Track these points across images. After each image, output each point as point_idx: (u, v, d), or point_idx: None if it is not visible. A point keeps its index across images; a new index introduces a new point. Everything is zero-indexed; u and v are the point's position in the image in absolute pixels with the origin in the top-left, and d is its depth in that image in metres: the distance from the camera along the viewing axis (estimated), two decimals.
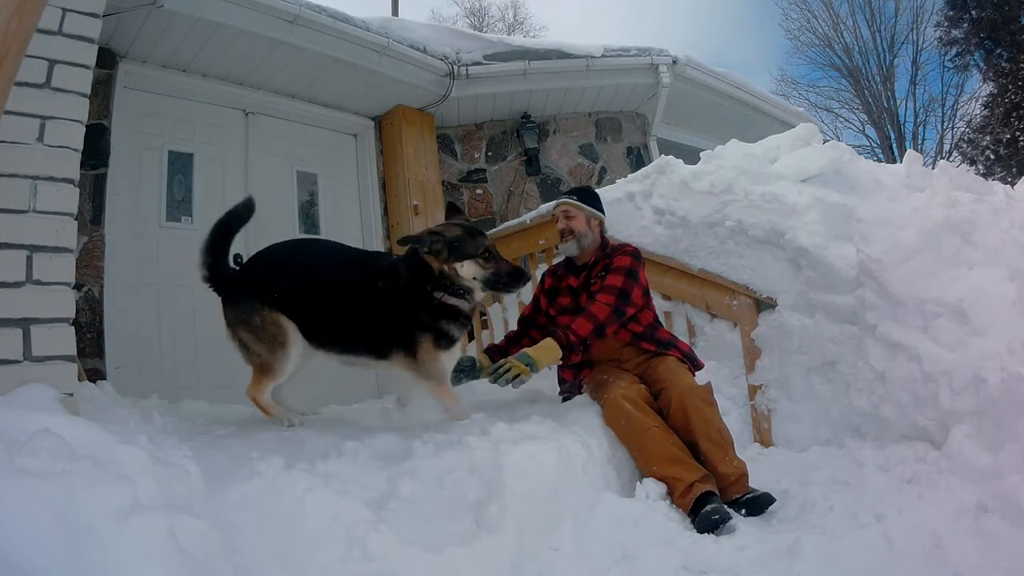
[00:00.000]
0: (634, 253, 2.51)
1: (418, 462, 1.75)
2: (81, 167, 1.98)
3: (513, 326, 3.82)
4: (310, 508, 1.49)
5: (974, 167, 12.29)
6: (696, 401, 2.23)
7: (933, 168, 3.07)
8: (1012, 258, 2.22)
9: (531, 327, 2.71)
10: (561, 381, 2.66)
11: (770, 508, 2.06)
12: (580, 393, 2.49)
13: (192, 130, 3.96)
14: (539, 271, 3.75)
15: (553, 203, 2.77)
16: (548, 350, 2.27)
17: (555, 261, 3.66)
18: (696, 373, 2.48)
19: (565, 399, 2.58)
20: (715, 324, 3.07)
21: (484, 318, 4.16)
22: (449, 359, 2.15)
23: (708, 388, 2.31)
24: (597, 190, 3.61)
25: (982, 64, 13.50)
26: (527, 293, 3.79)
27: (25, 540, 1.00)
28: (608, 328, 2.34)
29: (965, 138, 13.94)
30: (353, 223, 4.69)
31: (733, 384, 2.87)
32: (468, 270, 2.11)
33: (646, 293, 2.54)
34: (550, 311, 2.64)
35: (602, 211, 2.65)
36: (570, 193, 2.68)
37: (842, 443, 2.47)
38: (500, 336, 3.92)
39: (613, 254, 2.54)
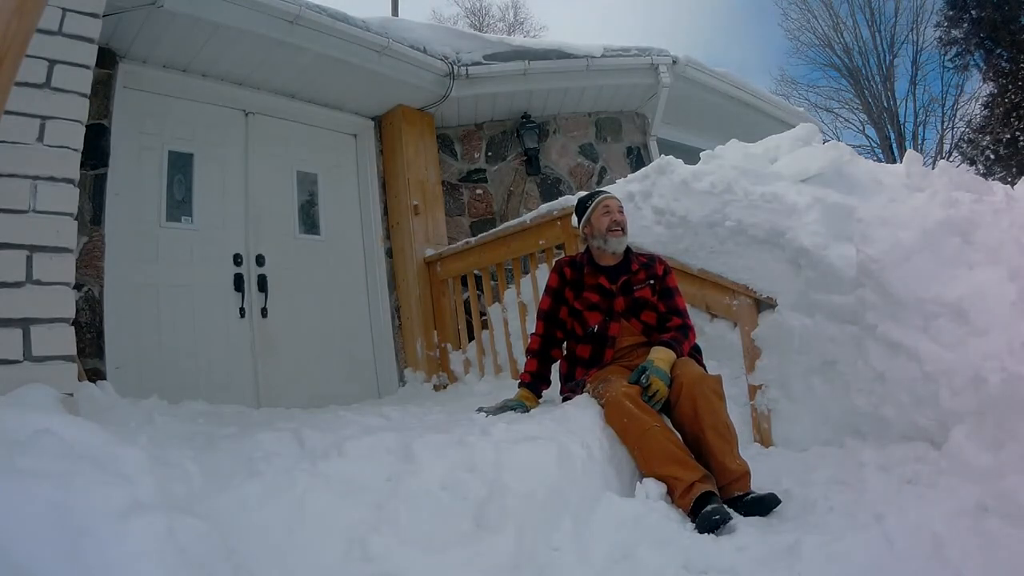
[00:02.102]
0: (670, 268, 2.70)
1: (418, 462, 1.75)
2: (81, 167, 1.99)
3: (514, 326, 3.83)
4: (310, 508, 1.49)
5: (974, 167, 12.29)
6: (706, 391, 2.23)
7: (933, 168, 3.07)
8: (1012, 258, 2.22)
9: (555, 326, 2.69)
10: (568, 379, 2.65)
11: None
12: (582, 393, 2.49)
13: (192, 130, 3.96)
14: (540, 271, 3.75)
15: (595, 196, 2.75)
16: (668, 361, 2.36)
17: (556, 259, 3.68)
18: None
19: (565, 398, 2.58)
20: (715, 324, 3.07)
21: (484, 318, 4.16)
22: None
23: (718, 379, 2.31)
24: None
25: (982, 64, 13.50)
26: (526, 293, 3.79)
27: (25, 540, 1.00)
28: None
29: (965, 138, 13.95)
30: (353, 223, 4.69)
31: (733, 384, 2.86)
32: None
33: None
34: (576, 304, 2.62)
35: None
36: (608, 194, 2.75)
37: (842, 443, 2.46)
38: (501, 336, 3.93)
39: (655, 264, 2.66)
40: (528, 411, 2.51)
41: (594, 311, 2.58)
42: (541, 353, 2.69)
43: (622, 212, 2.68)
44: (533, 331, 2.76)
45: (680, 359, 2.40)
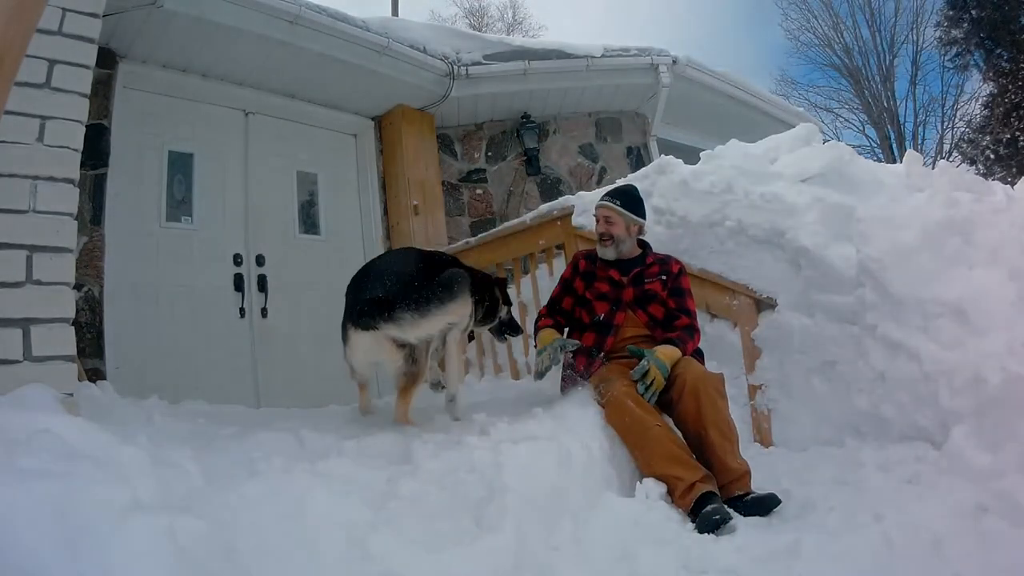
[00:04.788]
0: (685, 268, 2.69)
1: (418, 462, 1.75)
2: (81, 167, 1.98)
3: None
4: (310, 508, 1.49)
5: (974, 167, 12.28)
6: (709, 389, 2.24)
7: (933, 168, 3.07)
8: (1012, 258, 2.22)
9: (558, 313, 2.73)
10: (568, 367, 2.64)
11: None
12: (582, 382, 2.49)
13: (192, 130, 3.96)
14: (539, 271, 3.75)
15: (586, 200, 2.77)
16: (671, 357, 2.36)
17: (556, 260, 3.69)
18: None
19: (563, 388, 2.59)
20: (715, 324, 3.06)
21: None
22: None
23: (720, 378, 2.32)
24: (594, 191, 3.62)
25: (982, 64, 13.48)
26: (526, 293, 3.79)
27: (25, 540, 1.00)
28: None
29: (965, 138, 13.94)
30: (353, 223, 4.69)
31: (733, 384, 2.86)
32: None
33: None
34: (586, 294, 2.65)
35: (644, 215, 2.69)
36: (614, 196, 2.67)
37: (842, 443, 2.46)
38: None
39: (670, 262, 2.65)
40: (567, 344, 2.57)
41: (602, 300, 2.60)
42: (552, 323, 2.73)
43: (610, 222, 2.63)
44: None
45: (683, 358, 2.40)
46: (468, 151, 5.24)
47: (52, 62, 1.93)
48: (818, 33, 16.82)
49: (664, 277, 2.60)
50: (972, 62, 13.89)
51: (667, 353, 2.36)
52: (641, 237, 2.72)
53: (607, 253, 2.64)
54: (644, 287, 2.58)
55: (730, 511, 1.95)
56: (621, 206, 2.62)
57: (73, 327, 1.86)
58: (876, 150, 15.99)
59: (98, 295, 3.27)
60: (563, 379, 2.65)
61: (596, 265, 2.68)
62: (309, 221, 4.48)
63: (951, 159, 13.08)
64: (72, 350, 1.84)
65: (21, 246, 1.79)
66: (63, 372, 1.79)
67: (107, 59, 3.43)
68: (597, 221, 2.68)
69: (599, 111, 5.62)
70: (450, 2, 25.69)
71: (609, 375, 2.42)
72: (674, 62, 5.35)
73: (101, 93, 3.39)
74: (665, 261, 2.66)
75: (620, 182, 3.68)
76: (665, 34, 34.48)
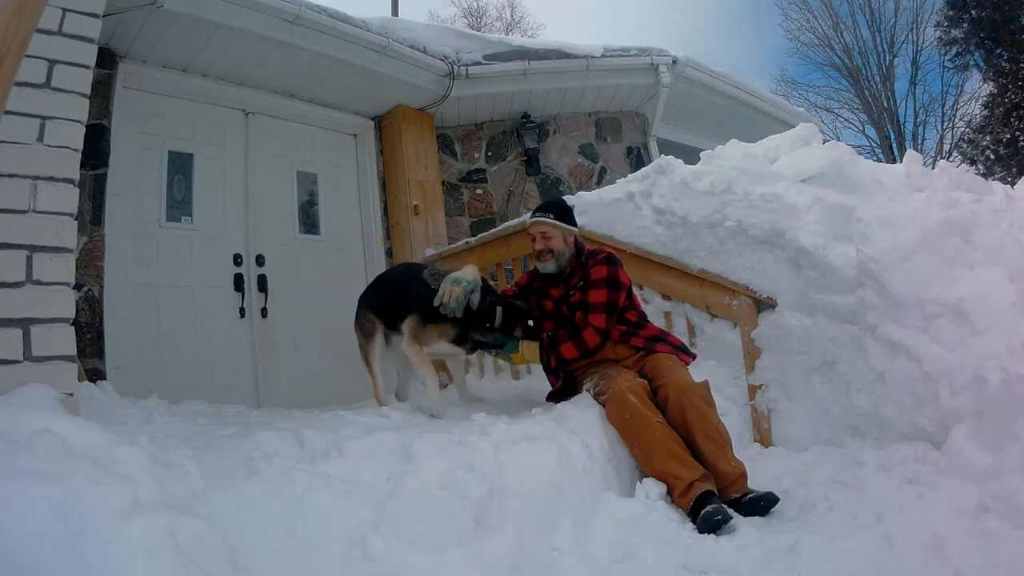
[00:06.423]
0: (608, 259, 2.57)
1: (418, 462, 1.75)
2: (81, 167, 1.98)
3: None
4: (310, 508, 1.49)
5: (974, 167, 12.28)
6: (694, 398, 2.24)
7: (933, 168, 3.07)
8: (1012, 258, 2.21)
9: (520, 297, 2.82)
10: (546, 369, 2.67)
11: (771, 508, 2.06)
12: (566, 389, 2.51)
13: (192, 130, 3.96)
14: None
15: (528, 219, 2.75)
16: (533, 352, 2.51)
17: None
18: (689, 364, 2.54)
19: (552, 395, 2.61)
20: (715, 324, 3.06)
21: None
22: None
23: (705, 385, 2.32)
24: (594, 191, 3.63)
25: (982, 64, 13.50)
26: None
27: (25, 540, 1.00)
28: (598, 350, 2.51)
29: (965, 138, 13.93)
30: (353, 223, 4.69)
31: (733, 384, 2.87)
32: None
33: (629, 295, 2.61)
34: (536, 311, 2.70)
35: (575, 224, 2.71)
36: (544, 210, 2.68)
37: (842, 443, 2.46)
38: None
39: (588, 263, 2.59)
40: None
41: (549, 319, 2.66)
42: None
43: (547, 236, 2.62)
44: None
45: (668, 363, 2.40)
46: (468, 151, 5.24)
47: (52, 62, 1.93)
48: (818, 33, 16.83)
49: (582, 283, 2.57)
50: (972, 62, 13.91)
51: (527, 346, 2.54)
52: (579, 244, 2.70)
53: (548, 267, 2.63)
54: (571, 301, 2.59)
55: (730, 511, 1.96)
56: (554, 218, 2.62)
57: (73, 327, 1.86)
58: (876, 150, 16.00)
59: (98, 295, 3.27)
60: (551, 382, 2.68)
61: (543, 280, 2.71)
62: (309, 221, 4.48)
63: (951, 159, 13.09)
64: (72, 350, 1.84)
65: (21, 246, 1.78)
66: (63, 372, 1.79)
67: (107, 59, 3.43)
68: (534, 239, 2.66)
69: (599, 111, 5.62)
70: (449, 2, 25.69)
71: (604, 371, 2.42)
72: (674, 62, 5.35)
73: (101, 93, 3.39)
74: (584, 264, 2.61)
75: (620, 182, 3.68)
76: (665, 34, 34.48)
